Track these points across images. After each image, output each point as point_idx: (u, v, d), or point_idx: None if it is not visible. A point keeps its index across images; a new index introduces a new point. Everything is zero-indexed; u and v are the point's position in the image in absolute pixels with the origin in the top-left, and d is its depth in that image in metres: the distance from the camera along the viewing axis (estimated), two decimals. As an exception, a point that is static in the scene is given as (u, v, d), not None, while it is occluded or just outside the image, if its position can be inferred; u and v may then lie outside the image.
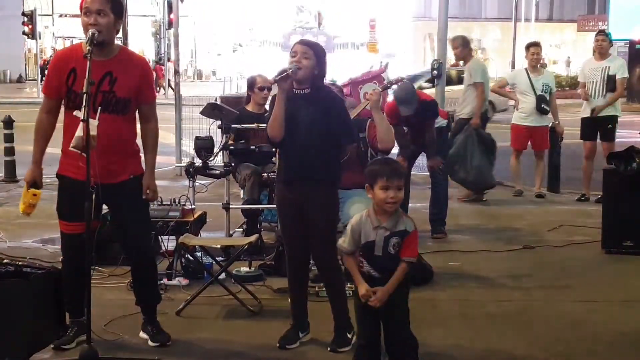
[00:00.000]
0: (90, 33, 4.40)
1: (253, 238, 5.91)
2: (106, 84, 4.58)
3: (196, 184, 6.89)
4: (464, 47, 9.97)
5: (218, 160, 7.32)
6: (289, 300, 5.12)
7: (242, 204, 7.30)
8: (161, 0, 34.58)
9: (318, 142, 4.77)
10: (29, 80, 44.08)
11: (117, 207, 4.85)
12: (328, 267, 4.92)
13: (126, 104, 4.65)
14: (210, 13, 44.00)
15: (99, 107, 4.50)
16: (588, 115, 9.77)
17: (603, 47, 9.75)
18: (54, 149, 4.82)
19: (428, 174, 8.76)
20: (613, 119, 9.74)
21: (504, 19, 47.99)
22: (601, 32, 9.96)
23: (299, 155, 4.79)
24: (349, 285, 5.70)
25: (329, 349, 4.81)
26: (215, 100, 10.30)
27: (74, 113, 4.41)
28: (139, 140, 4.89)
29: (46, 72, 5.07)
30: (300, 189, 4.81)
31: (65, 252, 4.84)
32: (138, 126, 4.87)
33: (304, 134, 4.74)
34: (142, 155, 4.92)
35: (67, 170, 4.69)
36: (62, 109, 4.73)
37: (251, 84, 8.00)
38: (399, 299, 4.01)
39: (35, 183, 4.75)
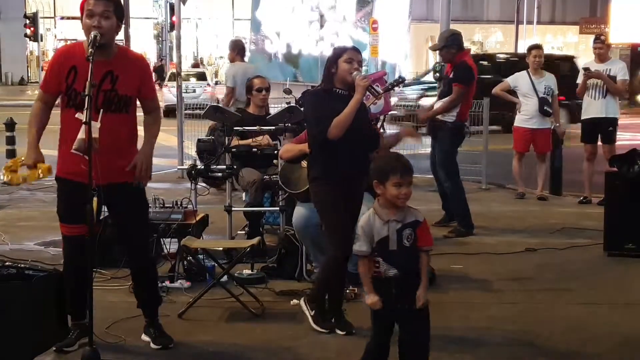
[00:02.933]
0: (92, 35, 4.41)
1: (255, 240, 5.91)
2: (107, 83, 4.59)
3: (198, 186, 6.90)
4: (232, 50, 10.80)
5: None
6: (328, 298, 5.22)
7: (245, 207, 7.31)
8: (163, 2, 34.64)
9: (364, 141, 5.07)
10: (31, 82, 44.08)
11: (117, 208, 4.85)
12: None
13: (127, 102, 4.67)
14: (212, 15, 44.06)
15: (101, 109, 4.50)
16: (588, 117, 9.79)
17: (601, 54, 9.79)
18: (53, 151, 4.81)
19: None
20: (613, 121, 9.74)
21: (506, 22, 47.97)
22: (598, 39, 9.94)
23: (350, 154, 4.99)
24: (351, 288, 5.73)
25: (343, 332, 5.08)
26: (217, 102, 10.31)
27: (76, 116, 4.40)
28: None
29: (46, 67, 5.10)
30: (349, 185, 5.05)
31: (66, 255, 4.83)
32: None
33: (353, 133, 4.94)
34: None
35: (65, 173, 4.68)
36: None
37: (249, 87, 8.04)
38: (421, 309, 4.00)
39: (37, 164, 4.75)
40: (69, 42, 36.72)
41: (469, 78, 8.06)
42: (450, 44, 8.15)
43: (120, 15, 4.63)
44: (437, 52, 8.55)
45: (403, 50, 30.46)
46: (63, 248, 4.89)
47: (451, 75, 8.15)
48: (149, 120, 4.94)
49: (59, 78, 4.61)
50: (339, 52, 5.10)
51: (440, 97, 8.37)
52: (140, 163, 4.71)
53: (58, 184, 4.79)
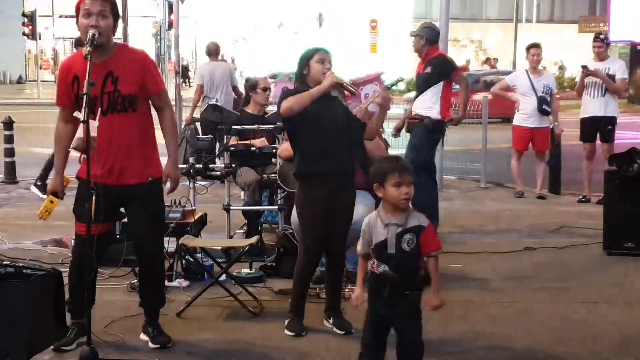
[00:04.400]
0: (90, 34, 4.41)
1: (254, 239, 5.90)
2: (109, 84, 4.58)
3: (197, 185, 6.88)
4: (206, 51, 11.85)
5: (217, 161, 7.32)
6: (294, 295, 5.23)
7: (243, 205, 7.30)
8: (161, 1, 34.58)
9: (344, 138, 5.08)
10: (29, 81, 44.13)
11: (133, 209, 4.84)
12: (341, 252, 5.26)
13: (132, 101, 4.64)
14: (211, 14, 44.05)
15: (102, 109, 4.50)
16: (587, 116, 9.78)
17: (600, 52, 9.80)
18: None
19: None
20: (612, 120, 9.74)
21: (505, 20, 47.99)
22: (597, 38, 9.94)
23: (330, 152, 5.01)
24: (349, 287, 5.73)
25: (342, 331, 5.08)
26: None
27: (74, 114, 4.41)
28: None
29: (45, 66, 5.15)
30: (330, 184, 5.04)
31: (77, 253, 4.85)
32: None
33: (331, 131, 4.98)
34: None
35: (82, 173, 4.69)
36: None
37: (254, 85, 8.07)
38: (414, 305, 3.99)
39: (55, 193, 4.80)
40: (66, 41, 36.59)
41: (454, 64, 8.10)
42: (422, 35, 8.03)
43: (116, 14, 4.63)
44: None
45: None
46: (74, 245, 4.92)
47: (428, 71, 7.98)
48: (162, 120, 4.85)
49: (67, 91, 4.66)
50: (310, 54, 5.13)
51: (417, 95, 8.14)
52: (172, 183, 4.84)
53: (79, 183, 4.80)
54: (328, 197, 5.03)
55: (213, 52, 11.82)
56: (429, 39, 8.04)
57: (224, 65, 12.08)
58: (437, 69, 7.93)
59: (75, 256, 4.88)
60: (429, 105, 7.90)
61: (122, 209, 5.01)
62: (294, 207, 6.12)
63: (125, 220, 5.40)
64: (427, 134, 7.94)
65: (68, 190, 4.92)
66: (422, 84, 8.08)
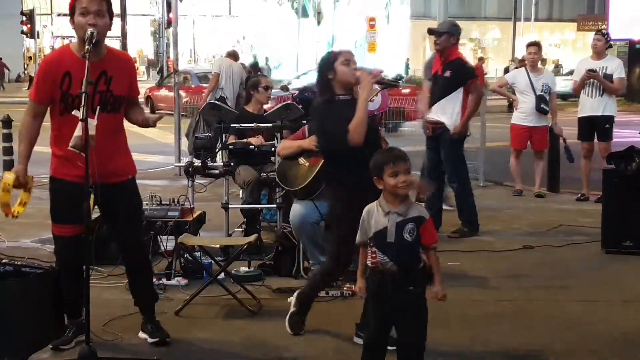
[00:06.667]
0: (89, 33, 4.38)
1: (252, 238, 5.91)
2: (102, 84, 4.57)
3: (195, 183, 6.88)
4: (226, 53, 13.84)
5: (217, 159, 7.31)
6: (309, 294, 5.11)
7: (242, 204, 7.30)
8: (160, -1, 34.57)
9: (373, 146, 4.84)
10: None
11: (114, 207, 4.82)
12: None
13: (121, 102, 4.68)
14: (209, 12, 44.14)
15: (97, 107, 4.49)
16: (584, 115, 9.78)
17: (597, 46, 9.75)
18: (46, 148, 4.80)
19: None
20: (610, 119, 9.74)
21: (503, 19, 48.14)
22: (597, 33, 9.95)
23: (364, 160, 4.69)
24: (348, 285, 5.73)
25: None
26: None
27: (73, 113, 4.40)
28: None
29: (34, 77, 4.98)
30: (366, 186, 4.74)
31: (59, 255, 4.80)
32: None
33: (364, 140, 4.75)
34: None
35: (60, 173, 4.68)
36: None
37: (255, 83, 8.07)
38: (418, 304, 4.00)
39: (17, 179, 4.70)
40: (65, 39, 36.58)
41: (473, 72, 7.99)
42: (453, 33, 7.82)
43: (111, 13, 4.63)
44: (435, 37, 7.87)
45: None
46: (55, 249, 4.88)
47: (447, 75, 7.75)
48: (134, 107, 4.86)
49: (52, 86, 4.53)
50: (334, 56, 4.88)
51: (434, 98, 7.91)
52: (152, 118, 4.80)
53: (52, 184, 4.76)
54: (362, 201, 4.91)
55: (232, 54, 13.75)
56: (458, 37, 7.92)
57: (240, 66, 13.54)
58: (456, 74, 7.75)
59: (61, 258, 4.77)
60: (449, 112, 7.75)
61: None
62: (292, 205, 6.13)
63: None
64: (456, 141, 7.88)
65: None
66: (440, 88, 7.87)
